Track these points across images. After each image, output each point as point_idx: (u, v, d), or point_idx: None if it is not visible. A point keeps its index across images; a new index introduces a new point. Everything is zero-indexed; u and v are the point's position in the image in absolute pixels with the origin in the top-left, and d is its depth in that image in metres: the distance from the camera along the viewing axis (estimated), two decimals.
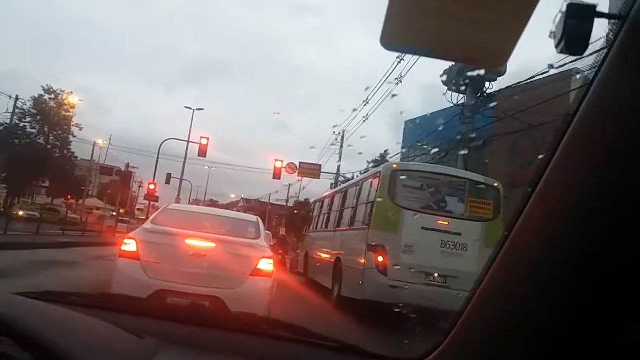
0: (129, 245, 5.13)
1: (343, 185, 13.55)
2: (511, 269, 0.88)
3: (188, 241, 5.18)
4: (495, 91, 13.20)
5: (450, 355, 1.05)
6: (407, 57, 12.96)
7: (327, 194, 15.16)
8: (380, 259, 7.84)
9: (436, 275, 7.67)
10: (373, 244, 7.98)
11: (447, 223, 7.90)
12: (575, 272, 0.74)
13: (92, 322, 1.03)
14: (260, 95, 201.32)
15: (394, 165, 8.67)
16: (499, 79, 13.11)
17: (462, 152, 12.15)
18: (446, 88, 13.74)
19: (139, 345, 1.03)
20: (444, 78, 13.39)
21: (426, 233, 7.83)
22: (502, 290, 0.89)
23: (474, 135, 12.91)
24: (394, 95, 14.51)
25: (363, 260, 8.19)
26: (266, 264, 5.30)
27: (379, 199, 8.23)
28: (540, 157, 0.82)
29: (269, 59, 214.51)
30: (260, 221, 6.61)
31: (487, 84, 13.34)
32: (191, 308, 1.46)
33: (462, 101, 13.54)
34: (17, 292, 1.16)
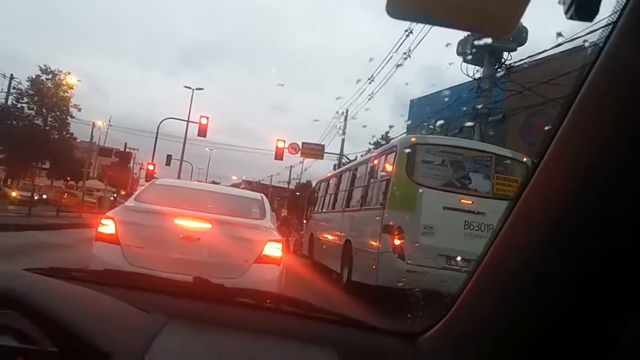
0: (107, 227, 4.31)
1: (353, 162, 12.71)
2: (514, 243, 0.87)
3: (178, 221, 4.34)
4: (515, 62, 12.30)
5: (452, 328, 1.05)
6: (413, 33, 12.22)
7: (334, 172, 14.41)
8: (397, 241, 7.13)
9: (458, 259, 6.93)
10: (389, 225, 7.25)
11: (470, 202, 7.14)
12: (579, 248, 0.72)
13: (98, 297, 1.03)
14: (260, 77, 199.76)
15: (412, 139, 7.85)
16: (519, 48, 12.22)
17: (469, 124, 11.37)
18: (459, 61, 12.84)
19: (145, 320, 1.04)
20: (459, 49, 12.49)
21: (448, 213, 7.09)
22: (505, 264, 0.88)
23: (489, 110, 12.09)
24: (399, 65, 13.63)
25: (377, 243, 7.49)
26: (273, 249, 4.47)
27: (396, 176, 7.48)
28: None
29: (268, 40, 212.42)
30: (265, 199, 5.74)
31: (505, 54, 12.44)
32: (197, 284, 1.43)
33: (477, 74, 12.66)
34: (25, 268, 1.15)
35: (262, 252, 4.40)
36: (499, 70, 12.29)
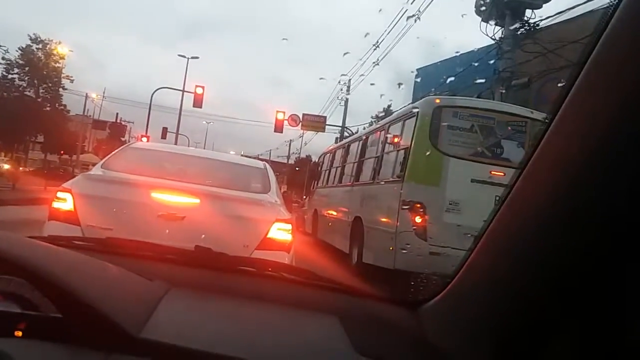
0: (63, 201, 3.28)
1: (363, 131, 11.64)
2: (521, 210, 0.85)
3: (156, 195, 3.32)
4: (539, 20, 11.12)
5: (454, 297, 1.05)
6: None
7: (341, 143, 13.37)
8: (418, 219, 6.22)
9: None
10: (408, 200, 6.32)
11: (502, 174, 6.15)
12: (590, 216, 0.69)
13: (101, 265, 1.01)
14: (260, 50, 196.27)
15: (437, 100, 6.78)
16: (544, 5, 11.05)
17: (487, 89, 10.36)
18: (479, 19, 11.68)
19: (148, 287, 1.03)
20: (478, 5, 11.32)
21: (476, 186, 6.14)
22: (510, 233, 0.87)
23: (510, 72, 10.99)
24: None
25: (394, 221, 6.57)
26: (281, 231, 3.45)
27: (417, 144, 6.50)
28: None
29: (268, 11, 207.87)
30: (269, 168, 4.63)
31: (528, 11, 11.24)
32: (199, 252, 1.40)
33: (498, 33, 11.49)
34: (28, 235, 1.08)
35: (267, 234, 3.39)
36: (522, 29, 11.12)
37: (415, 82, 25.54)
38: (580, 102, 0.74)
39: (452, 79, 13.74)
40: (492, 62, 11.62)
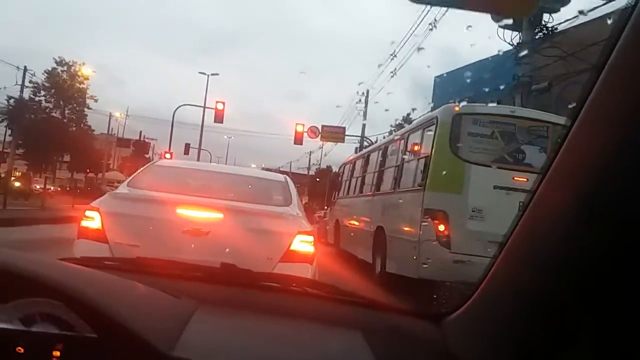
0: (91, 220, 3.40)
1: (383, 141, 11.64)
2: (544, 219, 0.83)
3: (181, 211, 3.42)
4: (557, 25, 11.01)
5: (478, 309, 1.04)
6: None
7: (361, 153, 13.38)
8: (441, 227, 6.19)
9: None
10: (431, 209, 6.30)
11: (525, 180, 6.09)
12: (616, 223, 0.67)
13: (131, 285, 1.05)
14: (277, 63, 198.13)
15: (456, 108, 6.76)
16: (562, 9, 10.94)
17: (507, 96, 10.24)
18: (495, 26, 11.62)
19: (177, 305, 1.06)
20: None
21: (499, 193, 6.07)
22: (534, 242, 0.86)
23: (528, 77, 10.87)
24: (420, 49, 12.87)
25: (416, 230, 6.55)
26: (303, 243, 3.51)
27: (437, 152, 6.48)
28: None
29: (284, 26, 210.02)
30: (290, 181, 4.72)
31: (546, 16, 11.15)
32: (225, 269, 1.42)
33: (516, 39, 11.42)
34: (60, 257, 1.18)
35: (290, 247, 3.45)
36: (540, 34, 11.03)
37: (434, 90, 25.44)
38: (599, 105, 0.73)
39: (471, 86, 13.68)
40: (511, 67, 11.51)
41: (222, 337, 1.02)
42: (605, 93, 0.72)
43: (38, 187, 26.20)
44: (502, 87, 11.72)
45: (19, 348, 0.76)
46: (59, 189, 28.82)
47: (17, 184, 25.28)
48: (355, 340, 1.08)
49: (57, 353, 0.77)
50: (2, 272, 0.79)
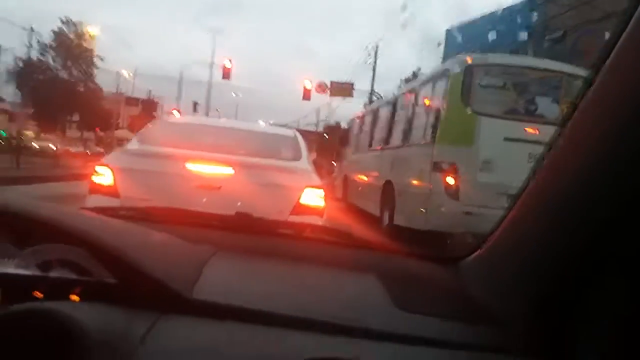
0: (102, 176, 3.43)
1: (392, 95, 11.49)
2: (563, 165, 0.83)
3: (191, 166, 3.45)
4: None
5: (494, 253, 1.05)
6: None
7: (370, 108, 13.23)
8: (451, 180, 6.17)
9: None
10: (440, 161, 6.28)
11: (536, 131, 6.02)
12: (629, 167, 0.67)
13: (148, 232, 1.06)
14: (286, 20, 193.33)
15: (468, 59, 6.59)
16: None
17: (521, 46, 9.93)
18: None
19: (193, 251, 1.06)
20: None
21: (510, 145, 6.02)
22: (552, 188, 0.85)
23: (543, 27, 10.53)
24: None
25: (426, 183, 6.55)
26: (313, 196, 3.54)
27: (449, 105, 6.39)
28: None
29: None
30: (299, 136, 4.69)
31: None
32: (240, 217, 1.44)
33: None
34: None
35: (300, 201, 3.49)
36: None
37: (446, 43, 24.80)
38: (627, 56, 0.69)
39: (483, 38, 13.29)
40: (524, 18, 11.15)
41: (239, 281, 1.02)
42: (633, 43, 0.68)
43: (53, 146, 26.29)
44: (515, 38, 11.40)
45: (37, 293, 0.76)
46: (71, 149, 28.78)
47: (37, 145, 25.49)
48: (372, 284, 1.09)
49: (75, 298, 0.77)
50: (22, 218, 0.79)
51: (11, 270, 0.78)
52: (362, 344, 0.80)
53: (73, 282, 0.80)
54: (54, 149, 26.28)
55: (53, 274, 0.81)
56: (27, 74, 32.12)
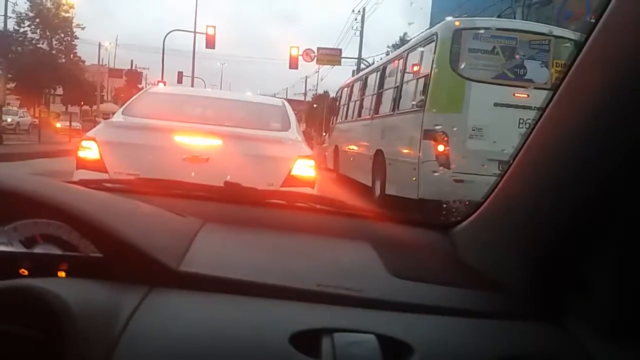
0: (88, 150, 3.35)
1: (380, 62, 11.35)
2: (555, 130, 0.82)
3: (179, 138, 3.38)
4: None
5: (487, 219, 1.05)
6: None
7: (358, 76, 13.09)
8: (441, 147, 6.17)
9: None
10: (430, 129, 6.26)
11: (526, 96, 6.01)
12: (626, 136, 0.66)
13: (134, 204, 1.02)
14: None
15: (456, 23, 6.50)
16: None
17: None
18: None
19: (182, 223, 1.04)
20: None
21: (499, 110, 6.01)
22: (545, 152, 0.85)
23: None
24: None
25: (416, 151, 6.55)
26: (304, 167, 3.50)
27: (437, 71, 6.32)
28: None
29: None
30: (288, 105, 4.60)
31: None
32: (229, 188, 1.43)
33: None
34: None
35: (291, 172, 3.45)
36: None
37: (432, 7, 24.42)
38: (621, 14, 0.67)
39: (470, 1, 13.08)
40: None
41: (229, 252, 1.01)
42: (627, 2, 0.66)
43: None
44: (502, 0, 11.24)
45: (23, 270, 0.74)
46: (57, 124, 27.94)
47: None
48: (365, 251, 1.08)
49: (62, 274, 0.76)
50: (3, 192, 0.75)
51: None
52: (357, 312, 0.79)
53: (58, 258, 0.78)
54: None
55: (37, 250, 0.79)
56: (4, 46, 31.12)
